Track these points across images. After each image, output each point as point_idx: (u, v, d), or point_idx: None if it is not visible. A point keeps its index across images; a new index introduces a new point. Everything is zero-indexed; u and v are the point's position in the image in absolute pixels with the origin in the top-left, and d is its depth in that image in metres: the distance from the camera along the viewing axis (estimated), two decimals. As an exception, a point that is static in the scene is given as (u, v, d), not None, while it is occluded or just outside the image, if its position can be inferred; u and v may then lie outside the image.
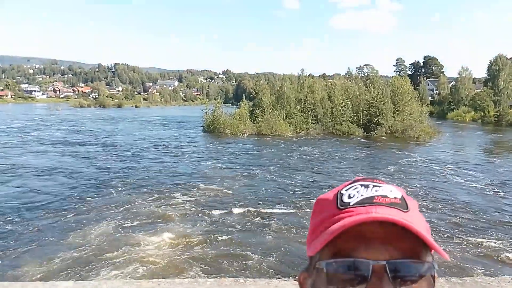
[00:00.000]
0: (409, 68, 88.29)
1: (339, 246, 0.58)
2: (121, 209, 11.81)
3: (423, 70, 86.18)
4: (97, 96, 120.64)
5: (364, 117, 38.14)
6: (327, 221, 0.62)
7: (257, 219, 11.30)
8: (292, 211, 12.11)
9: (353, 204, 0.61)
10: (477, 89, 63.91)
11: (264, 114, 36.21)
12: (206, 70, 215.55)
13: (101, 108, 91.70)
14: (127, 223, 10.58)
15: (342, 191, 0.64)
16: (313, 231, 0.65)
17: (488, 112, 54.89)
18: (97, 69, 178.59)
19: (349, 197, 0.62)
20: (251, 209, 12.11)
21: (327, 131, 36.84)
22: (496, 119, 52.90)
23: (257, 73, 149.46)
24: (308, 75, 50.51)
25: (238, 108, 40.52)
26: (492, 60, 63.25)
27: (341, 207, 0.61)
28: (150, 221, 10.86)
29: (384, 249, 0.57)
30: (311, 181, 16.47)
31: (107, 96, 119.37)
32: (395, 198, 0.61)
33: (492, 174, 18.70)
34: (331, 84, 44.81)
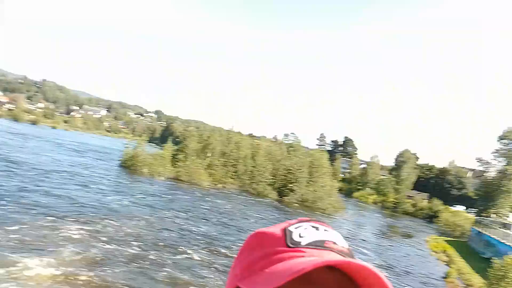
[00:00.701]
0: (330, 144, 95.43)
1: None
2: (6, 229, 10.93)
3: (340, 148, 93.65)
4: (13, 108, 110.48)
5: (280, 181, 39.81)
6: (272, 258, 0.56)
7: (150, 260, 11.18)
8: (186, 256, 12.22)
9: (305, 245, 0.56)
10: (382, 175, 70.77)
11: (186, 161, 36.18)
12: (138, 106, 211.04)
13: (13, 121, 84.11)
14: (8, 244, 9.81)
15: (290, 228, 0.59)
16: (250, 265, 0.58)
17: (388, 198, 60.67)
18: (21, 81, 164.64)
19: (300, 236, 0.58)
20: (145, 250, 11.98)
21: (244, 189, 37.70)
22: (394, 205, 58.54)
23: (188, 120, 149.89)
24: (237, 132, 52.14)
25: (161, 149, 40.00)
26: (399, 153, 71.48)
27: (291, 245, 0.56)
28: (34, 245, 10.21)
29: None
30: (216, 233, 16.70)
31: (24, 111, 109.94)
32: (343, 247, 0.59)
33: (383, 256, 20.81)
34: (257, 144, 46.63)
